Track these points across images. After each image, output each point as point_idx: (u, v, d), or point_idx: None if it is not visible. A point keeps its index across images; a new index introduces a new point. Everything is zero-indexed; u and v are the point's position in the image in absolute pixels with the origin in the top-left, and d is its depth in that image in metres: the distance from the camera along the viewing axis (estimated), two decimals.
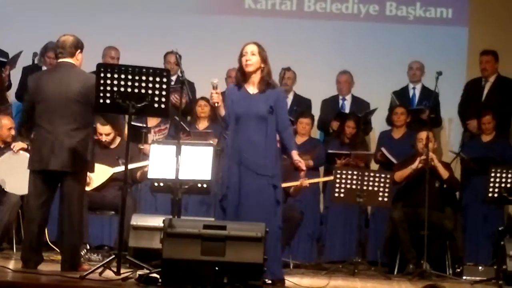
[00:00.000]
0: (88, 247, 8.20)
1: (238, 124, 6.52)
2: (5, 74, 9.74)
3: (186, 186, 7.18)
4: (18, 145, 8.39)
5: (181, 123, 7.91)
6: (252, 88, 6.60)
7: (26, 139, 8.75)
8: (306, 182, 7.25)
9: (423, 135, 8.81)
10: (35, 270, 6.55)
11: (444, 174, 8.78)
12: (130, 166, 7.33)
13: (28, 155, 8.10)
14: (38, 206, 6.72)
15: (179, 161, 6.47)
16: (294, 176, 7.84)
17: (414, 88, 10.23)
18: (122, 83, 6.35)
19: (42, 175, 6.72)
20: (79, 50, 6.83)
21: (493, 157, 9.05)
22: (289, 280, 6.74)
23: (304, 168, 6.71)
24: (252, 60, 6.53)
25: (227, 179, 6.52)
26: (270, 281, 6.33)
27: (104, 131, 8.55)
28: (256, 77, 6.57)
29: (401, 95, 10.13)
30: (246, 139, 6.47)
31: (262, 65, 6.56)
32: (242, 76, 6.61)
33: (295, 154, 6.59)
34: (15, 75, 9.99)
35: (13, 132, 8.75)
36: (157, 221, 6.98)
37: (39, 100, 6.74)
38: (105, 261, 6.38)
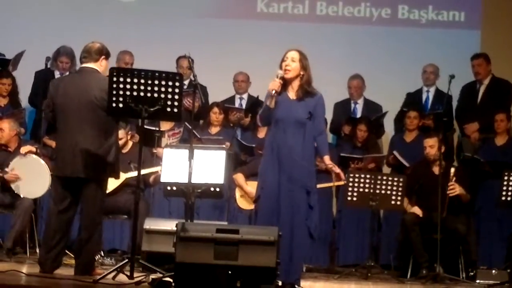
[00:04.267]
0: (101, 251, 8.20)
1: (277, 127, 6.54)
2: None
3: (199, 190, 7.18)
4: (25, 148, 8.40)
5: (193, 131, 7.90)
6: (292, 94, 6.60)
7: (38, 143, 8.79)
8: (342, 177, 7.21)
9: (429, 142, 8.80)
10: (48, 274, 6.54)
11: (466, 199, 8.74)
12: (142, 172, 7.31)
13: (37, 157, 8.17)
14: (57, 212, 6.75)
15: (192, 165, 6.48)
16: (325, 178, 8.11)
17: (428, 92, 10.20)
18: (135, 87, 6.34)
19: (63, 181, 6.76)
20: (103, 57, 6.85)
21: (507, 161, 9.01)
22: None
23: (337, 170, 6.73)
24: (291, 66, 6.54)
25: (263, 180, 6.55)
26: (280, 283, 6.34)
27: None
28: (295, 84, 6.57)
29: (414, 98, 10.11)
30: (284, 143, 6.49)
31: (302, 73, 6.55)
32: (282, 80, 6.58)
33: (327, 159, 6.63)
34: (21, 79, 9.97)
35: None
36: (170, 225, 6.97)
37: (58, 104, 6.76)
38: (118, 265, 6.40)
